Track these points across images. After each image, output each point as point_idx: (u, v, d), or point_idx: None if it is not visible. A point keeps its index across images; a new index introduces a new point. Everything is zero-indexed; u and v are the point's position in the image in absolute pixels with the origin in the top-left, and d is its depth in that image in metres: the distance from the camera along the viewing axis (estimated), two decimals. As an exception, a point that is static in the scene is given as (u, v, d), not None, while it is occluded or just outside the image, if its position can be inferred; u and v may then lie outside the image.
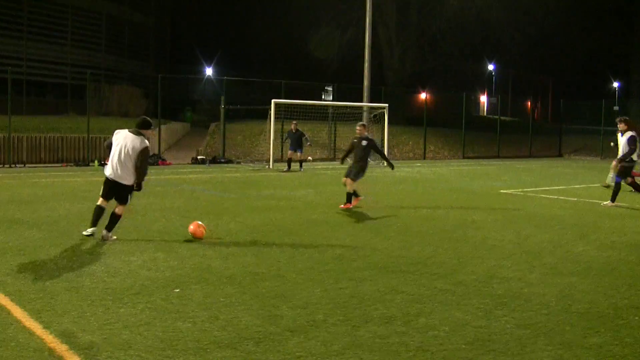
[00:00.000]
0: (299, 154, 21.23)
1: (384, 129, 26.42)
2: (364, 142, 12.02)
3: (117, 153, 8.24)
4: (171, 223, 9.79)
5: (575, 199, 14.16)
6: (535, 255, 7.99)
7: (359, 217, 11.03)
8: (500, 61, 62.26)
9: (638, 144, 12.81)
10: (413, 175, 20.91)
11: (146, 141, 8.35)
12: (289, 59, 52.36)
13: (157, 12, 54.60)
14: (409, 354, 4.47)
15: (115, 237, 8.31)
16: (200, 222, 8.64)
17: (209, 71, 49.82)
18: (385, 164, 12.83)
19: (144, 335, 4.71)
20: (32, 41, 41.42)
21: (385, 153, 25.58)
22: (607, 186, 14.27)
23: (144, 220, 9.90)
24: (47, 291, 5.79)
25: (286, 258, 7.46)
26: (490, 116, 58.73)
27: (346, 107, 27.81)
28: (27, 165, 21.15)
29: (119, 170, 8.22)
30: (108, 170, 8.38)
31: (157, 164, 22.76)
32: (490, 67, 65.49)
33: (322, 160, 27.10)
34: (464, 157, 32.45)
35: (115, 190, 8.40)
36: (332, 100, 36.16)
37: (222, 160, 25.00)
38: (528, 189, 16.51)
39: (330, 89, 44.64)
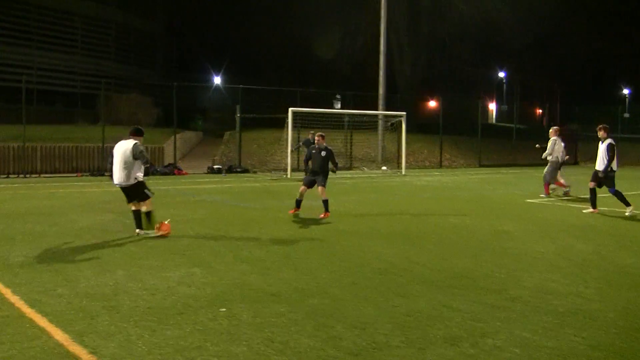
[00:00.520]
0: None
1: (400, 138, 26.03)
2: (323, 153, 12.17)
3: (117, 161, 9.21)
4: (200, 235, 9.51)
5: (605, 208, 13.83)
6: (583, 267, 7.69)
7: (387, 226, 10.73)
8: (509, 67, 62.07)
9: (617, 151, 12.66)
10: (434, 184, 20.68)
11: (136, 141, 9.30)
12: (296, 66, 52.16)
13: (164, 20, 54.58)
14: (485, 380, 4.17)
15: (147, 232, 9.28)
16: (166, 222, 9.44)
17: (217, 79, 49.61)
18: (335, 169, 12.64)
19: (197, 360, 4.40)
20: (41, 50, 41.38)
21: (403, 162, 25.46)
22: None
23: (171, 232, 9.60)
24: (86, 311, 5.48)
25: (326, 272, 7.16)
26: (503, 124, 58.25)
27: (363, 115, 27.50)
28: (41, 175, 20.93)
29: (122, 175, 9.14)
30: (115, 180, 9.31)
31: (174, 173, 22.51)
32: (501, 74, 65.23)
33: (339, 169, 26.74)
34: (480, 165, 32.09)
35: (128, 193, 9.32)
36: (343, 108, 35.89)
37: (239, 170, 24.69)
38: (552, 198, 16.20)
39: (339, 97, 44.47)
